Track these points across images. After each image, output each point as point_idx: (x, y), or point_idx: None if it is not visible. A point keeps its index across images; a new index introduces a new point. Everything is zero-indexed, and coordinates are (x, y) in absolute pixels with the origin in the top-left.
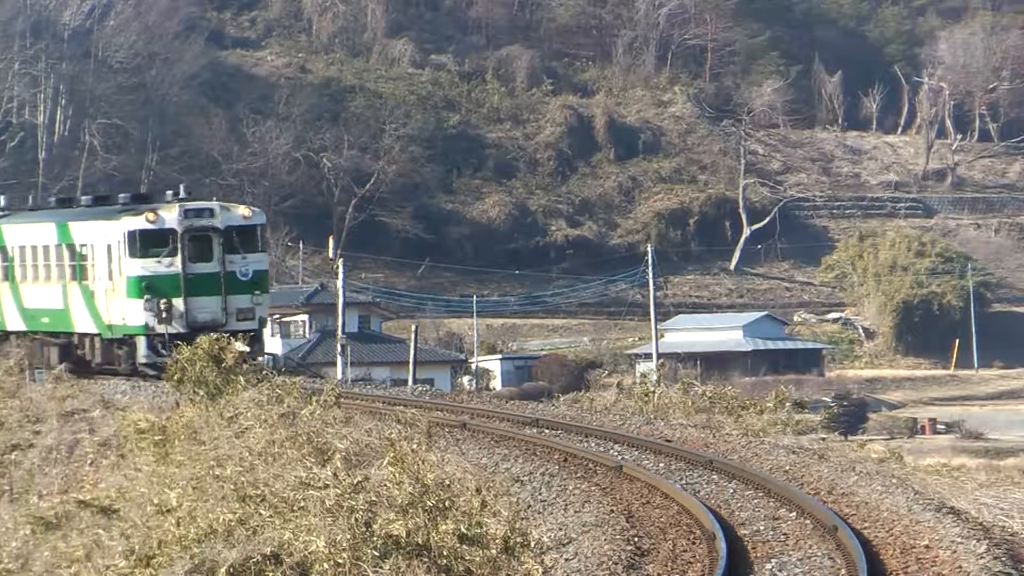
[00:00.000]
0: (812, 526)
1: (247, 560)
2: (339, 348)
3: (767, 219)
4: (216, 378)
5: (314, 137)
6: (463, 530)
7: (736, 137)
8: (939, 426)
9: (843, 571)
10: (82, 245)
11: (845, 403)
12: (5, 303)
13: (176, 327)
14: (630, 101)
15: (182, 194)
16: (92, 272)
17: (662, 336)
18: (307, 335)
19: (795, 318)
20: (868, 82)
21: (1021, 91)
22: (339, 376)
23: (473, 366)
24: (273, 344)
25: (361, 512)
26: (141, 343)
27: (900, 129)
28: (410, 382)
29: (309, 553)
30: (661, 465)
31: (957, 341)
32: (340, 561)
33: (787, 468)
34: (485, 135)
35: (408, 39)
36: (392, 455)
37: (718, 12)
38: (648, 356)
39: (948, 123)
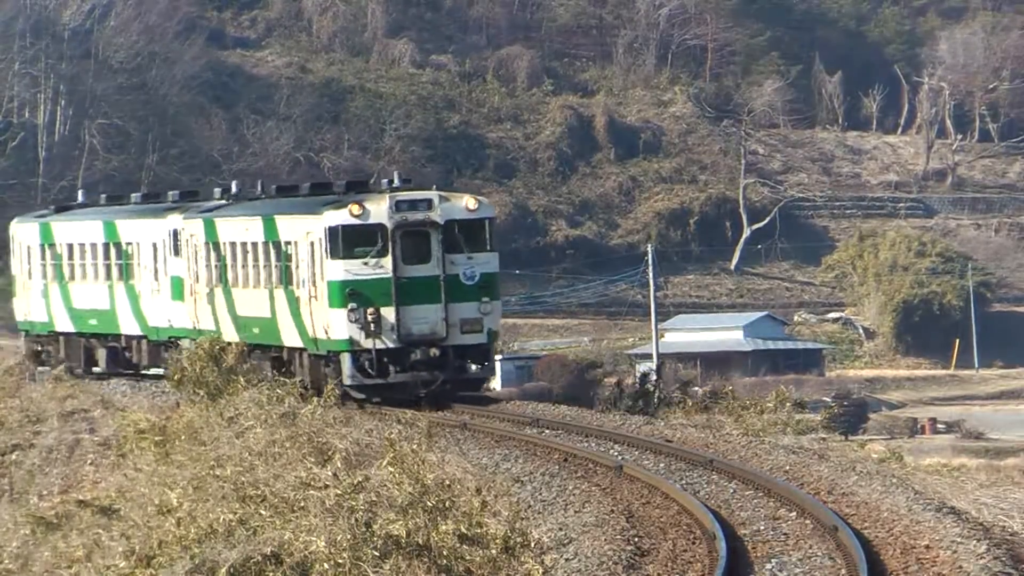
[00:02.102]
0: (812, 526)
1: (247, 560)
2: None
3: (767, 219)
4: (216, 378)
5: (314, 137)
6: (463, 530)
7: (736, 137)
8: (939, 426)
9: (843, 571)
10: (286, 243)
11: (845, 403)
12: (219, 310)
13: (386, 342)
14: (630, 101)
15: (396, 182)
16: (296, 275)
17: (662, 336)
18: None
19: (795, 318)
20: (868, 82)
21: (1021, 91)
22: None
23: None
24: None
25: (361, 512)
26: (346, 361)
27: (900, 129)
28: None
29: (309, 553)
30: (661, 465)
31: (957, 341)
32: (340, 561)
33: (787, 468)
34: (485, 135)
35: (408, 39)
36: (392, 455)
37: (718, 12)
38: (648, 356)
39: (948, 123)
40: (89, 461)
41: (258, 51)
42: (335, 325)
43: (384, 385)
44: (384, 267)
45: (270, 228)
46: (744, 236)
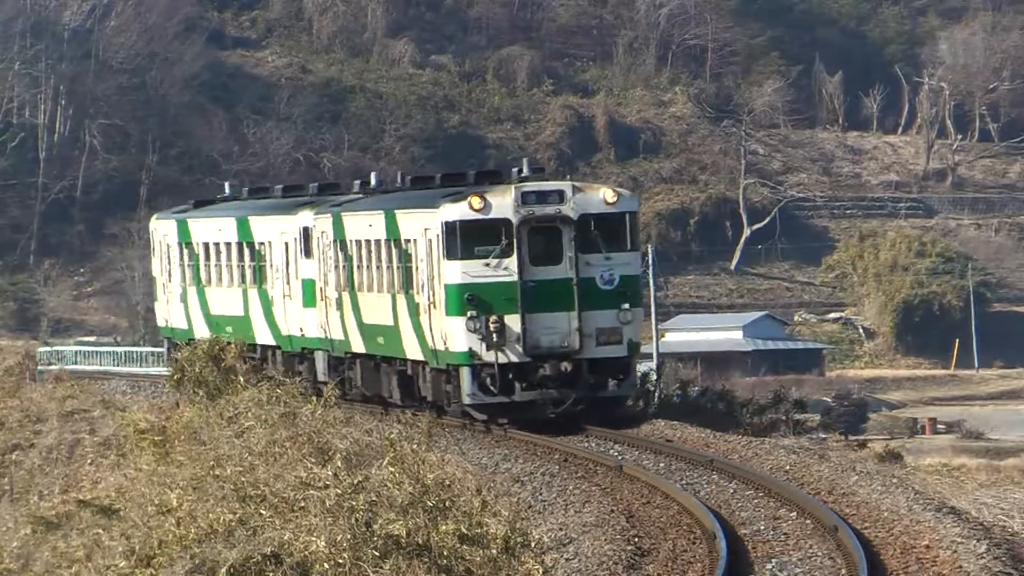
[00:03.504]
0: (812, 526)
1: (247, 560)
2: None
3: (767, 219)
4: (216, 378)
5: (315, 137)
6: (463, 530)
7: (736, 137)
8: (939, 426)
9: (843, 571)
10: (407, 241)
11: (845, 403)
12: (347, 318)
13: (510, 355)
14: (630, 101)
15: (526, 170)
16: (416, 278)
17: (662, 336)
18: None
19: (795, 318)
20: (868, 82)
21: (1021, 91)
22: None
23: None
24: None
25: (361, 512)
26: (465, 376)
27: (900, 129)
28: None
29: (309, 553)
30: (661, 465)
31: (957, 341)
32: (340, 561)
33: (787, 468)
34: (486, 135)
35: (408, 39)
36: (392, 455)
37: (718, 12)
38: (648, 356)
39: (948, 123)
40: (89, 461)
41: (258, 51)
42: (453, 335)
43: (508, 404)
44: (508, 269)
45: (391, 225)
46: (744, 236)
